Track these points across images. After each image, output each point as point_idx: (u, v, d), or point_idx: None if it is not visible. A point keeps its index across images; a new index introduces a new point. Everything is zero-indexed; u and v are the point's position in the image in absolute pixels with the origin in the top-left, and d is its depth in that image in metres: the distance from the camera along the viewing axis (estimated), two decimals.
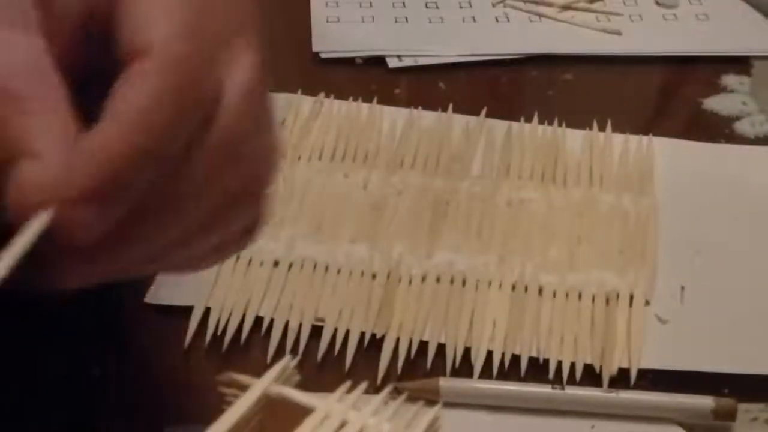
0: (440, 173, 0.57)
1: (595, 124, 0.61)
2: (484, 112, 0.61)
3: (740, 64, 0.67)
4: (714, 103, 0.64)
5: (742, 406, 0.45)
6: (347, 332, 0.48)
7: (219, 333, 0.48)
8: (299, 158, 0.57)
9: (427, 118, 0.61)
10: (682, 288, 0.51)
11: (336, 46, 0.68)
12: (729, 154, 0.60)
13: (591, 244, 0.53)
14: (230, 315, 0.48)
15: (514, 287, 0.50)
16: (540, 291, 0.50)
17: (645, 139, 0.60)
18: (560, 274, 0.51)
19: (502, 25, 0.71)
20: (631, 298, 0.50)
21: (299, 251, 0.51)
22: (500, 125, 0.61)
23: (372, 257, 0.51)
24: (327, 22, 0.70)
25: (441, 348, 0.47)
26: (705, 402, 0.45)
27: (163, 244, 0.33)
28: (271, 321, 0.48)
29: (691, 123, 0.64)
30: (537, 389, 0.46)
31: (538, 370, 0.47)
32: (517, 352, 0.47)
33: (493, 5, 0.73)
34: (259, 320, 0.48)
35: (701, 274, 0.52)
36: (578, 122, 0.61)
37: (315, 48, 0.67)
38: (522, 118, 0.61)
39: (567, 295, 0.50)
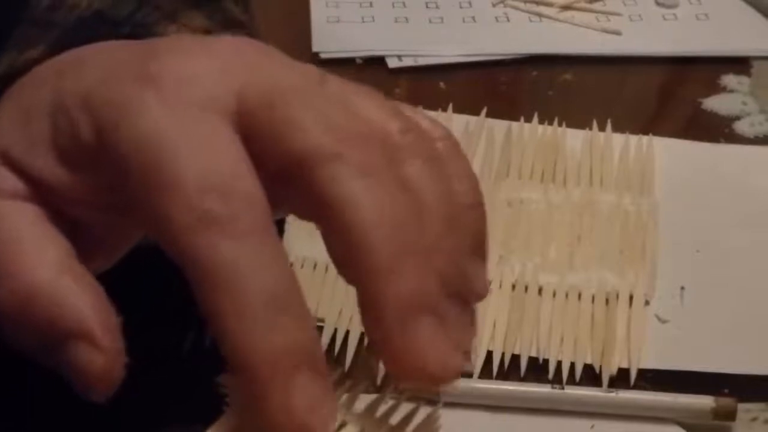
0: None
1: (595, 124, 0.61)
2: (484, 112, 0.61)
3: (740, 64, 0.67)
4: (714, 103, 0.64)
5: (742, 406, 0.45)
6: (347, 332, 0.48)
7: None
8: None
9: None
10: (682, 288, 0.51)
11: (336, 46, 0.68)
12: (729, 154, 0.60)
13: (591, 244, 0.53)
14: None
15: (514, 287, 0.50)
16: (540, 291, 0.50)
17: (645, 139, 0.60)
18: (560, 274, 0.51)
19: (502, 25, 0.71)
20: (631, 298, 0.50)
21: (299, 251, 0.51)
22: (500, 125, 0.61)
23: None
24: (327, 22, 0.70)
25: None
26: (705, 402, 0.45)
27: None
28: None
29: (691, 123, 0.64)
30: (537, 389, 0.46)
31: (538, 370, 0.47)
32: (517, 352, 0.47)
33: (493, 5, 0.73)
34: None
35: (701, 274, 0.52)
36: (578, 122, 0.61)
37: (315, 48, 0.67)
38: (522, 118, 0.61)
39: (567, 295, 0.50)
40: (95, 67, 0.32)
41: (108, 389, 0.32)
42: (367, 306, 0.31)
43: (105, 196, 0.32)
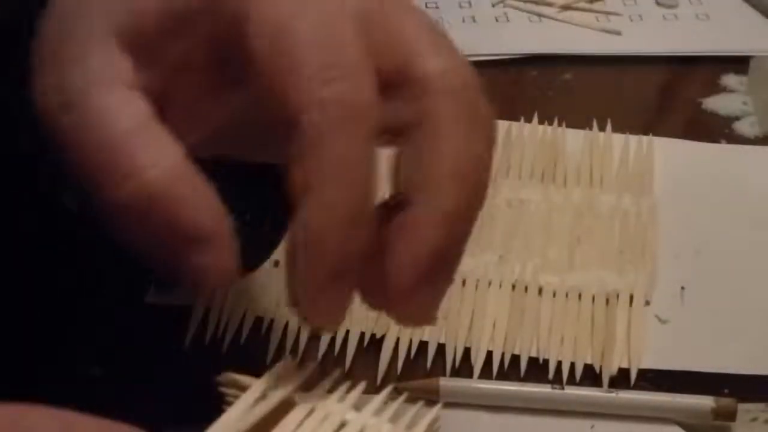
0: None
1: (595, 124, 0.61)
2: None
3: (740, 64, 0.67)
4: (714, 103, 0.64)
5: (742, 406, 0.45)
6: (347, 332, 0.48)
7: (219, 333, 0.48)
8: None
9: None
10: (682, 288, 0.51)
11: None
12: (729, 154, 0.60)
13: (591, 244, 0.53)
14: (230, 315, 0.48)
15: (514, 287, 0.50)
16: (540, 291, 0.50)
17: (645, 139, 0.60)
18: (560, 274, 0.51)
19: (502, 25, 0.71)
20: (631, 298, 0.50)
21: None
22: (500, 125, 0.60)
23: None
24: None
25: (441, 348, 0.47)
26: (705, 402, 0.45)
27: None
28: (271, 321, 0.48)
29: (691, 123, 0.63)
30: (537, 389, 0.46)
31: (538, 370, 0.47)
32: (517, 352, 0.47)
33: (493, 5, 0.73)
34: (259, 320, 0.48)
35: (701, 274, 0.52)
36: (578, 122, 0.61)
37: None
38: (522, 118, 0.61)
39: (567, 295, 0.50)
40: None
41: (221, 285, 0.32)
42: (402, 237, 0.32)
43: (207, 69, 0.32)
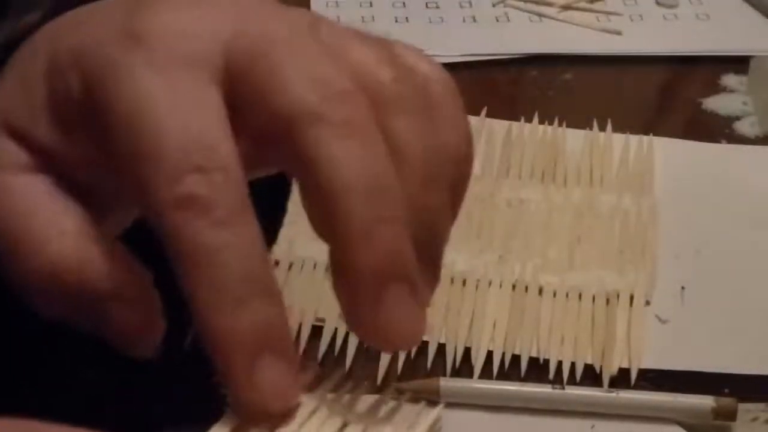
0: None
1: (595, 124, 0.61)
2: (484, 112, 0.61)
3: (740, 64, 0.67)
4: (714, 103, 0.64)
5: (743, 406, 0.45)
6: (347, 332, 0.48)
7: None
8: None
9: None
10: (682, 288, 0.51)
11: None
12: (729, 154, 0.60)
13: (591, 244, 0.53)
14: None
15: (514, 287, 0.50)
16: (540, 291, 0.50)
17: (645, 139, 0.60)
18: (560, 274, 0.51)
19: (502, 25, 0.71)
20: (631, 298, 0.50)
21: (299, 251, 0.51)
22: (500, 125, 0.61)
23: None
24: None
25: (441, 348, 0.47)
26: (705, 402, 0.45)
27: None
28: None
29: (691, 123, 0.64)
30: (537, 389, 0.46)
31: (538, 370, 0.47)
32: (517, 352, 0.47)
33: (493, 5, 0.73)
34: None
35: (701, 274, 0.52)
36: (578, 122, 0.61)
37: None
38: (522, 118, 0.61)
39: (567, 295, 0.50)
40: (90, 27, 0.31)
41: (149, 345, 0.32)
42: (339, 271, 0.31)
43: (102, 159, 0.31)
